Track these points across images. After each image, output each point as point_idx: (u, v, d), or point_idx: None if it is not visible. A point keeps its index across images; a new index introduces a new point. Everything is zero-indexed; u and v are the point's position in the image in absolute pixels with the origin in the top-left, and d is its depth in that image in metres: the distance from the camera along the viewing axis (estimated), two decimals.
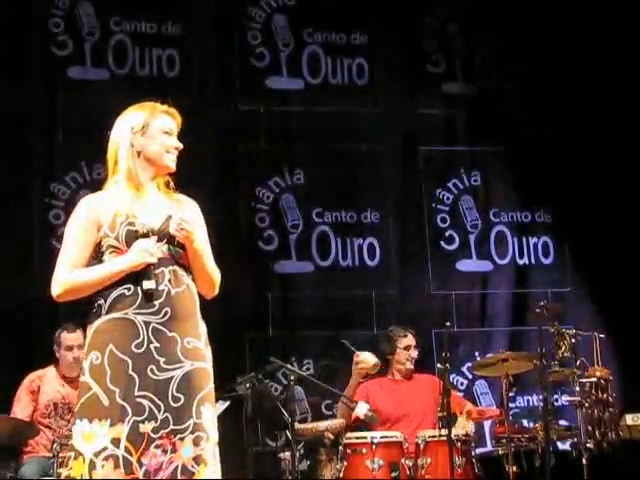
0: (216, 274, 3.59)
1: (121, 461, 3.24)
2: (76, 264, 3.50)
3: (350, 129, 7.93)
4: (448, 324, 5.81)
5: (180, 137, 3.67)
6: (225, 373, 4.20)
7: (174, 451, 3.28)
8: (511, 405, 6.73)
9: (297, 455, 5.81)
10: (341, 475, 5.58)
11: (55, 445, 5.61)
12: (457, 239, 8.12)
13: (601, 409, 5.71)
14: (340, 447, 5.65)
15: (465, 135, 8.20)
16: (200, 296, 3.59)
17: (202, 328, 3.51)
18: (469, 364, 7.46)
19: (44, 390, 6.14)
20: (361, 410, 5.65)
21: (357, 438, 5.65)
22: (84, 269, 3.49)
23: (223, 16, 7.88)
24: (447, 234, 8.12)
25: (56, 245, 7.32)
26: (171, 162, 3.59)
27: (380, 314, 7.66)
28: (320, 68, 8.11)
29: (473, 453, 5.77)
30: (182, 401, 3.32)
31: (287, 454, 5.66)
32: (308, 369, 7.35)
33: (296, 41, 8.09)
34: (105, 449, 3.25)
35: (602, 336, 6.09)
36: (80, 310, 6.70)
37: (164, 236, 3.44)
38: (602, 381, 5.77)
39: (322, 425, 5.84)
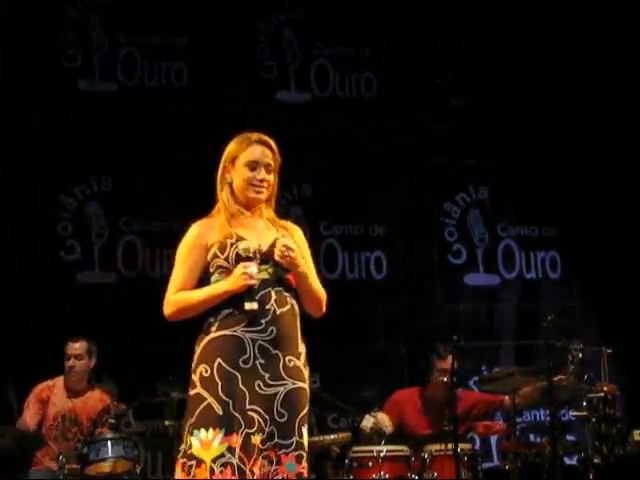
0: (322, 295, 3.78)
1: (236, 469, 3.44)
2: (184, 286, 3.67)
3: (358, 143, 7.94)
4: (455, 338, 5.80)
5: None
6: None
7: (279, 463, 3.49)
8: (518, 420, 6.71)
9: None
10: None
11: (61, 457, 5.62)
12: (464, 253, 8.12)
13: (608, 424, 5.69)
14: (346, 460, 5.64)
15: (473, 149, 8.20)
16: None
17: (302, 348, 3.67)
18: (476, 378, 7.44)
19: (53, 401, 6.16)
20: (367, 424, 5.64)
21: (363, 452, 5.64)
22: (190, 291, 3.67)
23: (232, 29, 7.91)
24: (454, 248, 8.12)
25: (64, 257, 7.36)
26: (254, 194, 3.73)
27: (387, 328, 7.65)
28: (328, 81, 8.13)
29: (480, 468, 5.76)
30: (286, 417, 3.51)
31: None
32: (314, 382, 7.34)
33: (304, 55, 8.11)
34: (222, 456, 3.44)
35: (609, 351, 6.08)
36: (85, 325, 6.78)
37: (270, 259, 3.60)
38: (609, 396, 5.75)
39: (329, 438, 5.83)
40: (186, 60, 7.84)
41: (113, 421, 5.87)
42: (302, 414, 3.55)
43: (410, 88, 8.17)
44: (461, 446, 5.51)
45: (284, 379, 3.54)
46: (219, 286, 3.60)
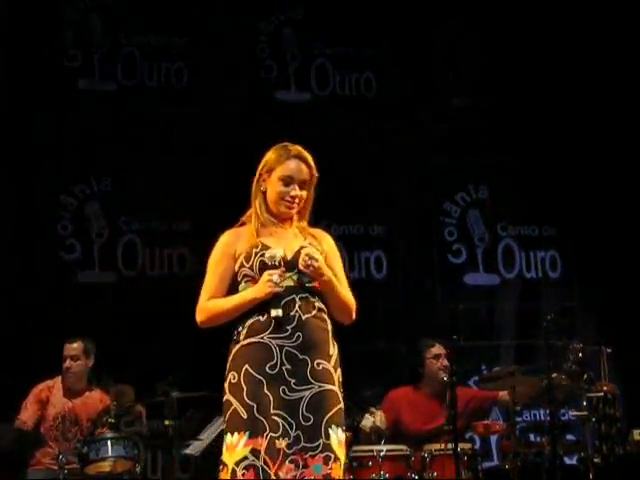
0: (350, 303, 3.83)
1: (260, 472, 3.51)
2: (214, 293, 3.75)
3: (358, 143, 7.93)
4: (455, 337, 5.80)
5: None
6: None
7: (306, 466, 3.54)
8: (518, 420, 6.71)
9: None
10: None
11: (61, 457, 5.62)
12: (464, 253, 8.12)
13: (608, 424, 5.69)
14: (346, 460, 5.62)
15: (473, 149, 8.19)
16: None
17: (333, 351, 3.72)
18: (475, 378, 7.44)
19: (53, 402, 6.15)
20: (367, 423, 5.64)
21: (363, 451, 5.64)
22: (220, 299, 3.75)
23: (232, 29, 7.91)
24: (454, 247, 8.12)
25: (64, 257, 7.36)
26: (285, 209, 3.80)
27: (387, 327, 7.64)
28: (328, 81, 8.13)
29: (480, 467, 5.75)
30: (312, 421, 3.56)
31: None
32: None
33: (304, 55, 8.11)
34: (245, 459, 3.52)
35: (609, 351, 6.08)
36: (85, 325, 6.78)
37: (294, 266, 3.66)
38: (609, 396, 5.75)
39: None
40: (186, 60, 7.84)
41: (113, 421, 5.87)
42: (328, 416, 3.59)
43: (410, 88, 8.17)
44: (461, 445, 5.50)
45: (311, 383, 3.59)
46: (247, 294, 3.68)
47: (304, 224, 3.88)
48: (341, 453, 3.62)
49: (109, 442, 5.63)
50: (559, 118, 8.14)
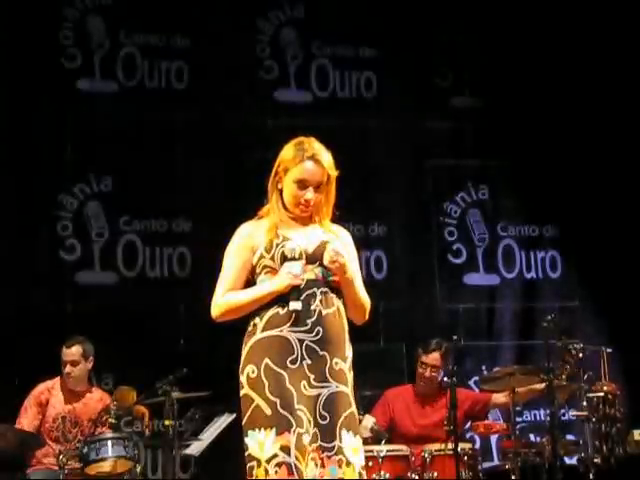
0: (366, 302, 3.77)
1: (294, 469, 3.44)
2: (231, 287, 3.67)
3: (358, 142, 7.92)
4: (455, 338, 5.80)
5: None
6: None
7: (322, 466, 3.49)
8: (518, 419, 6.71)
9: None
10: None
11: (62, 457, 5.62)
12: (464, 253, 8.11)
13: (608, 424, 5.69)
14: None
15: (473, 148, 8.19)
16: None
17: (349, 351, 3.70)
18: (476, 378, 7.44)
19: (53, 403, 6.15)
20: (367, 424, 5.64)
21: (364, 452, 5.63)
22: (237, 292, 3.67)
23: (232, 29, 7.90)
24: (454, 247, 8.11)
25: (64, 257, 7.36)
26: (299, 212, 3.73)
27: (387, 327, 7.64)
28: (328, 81, 8.12)
29: (480, 467, 5.76)
30: (328, 420, 3.52)
31: None
32: None
33: (304, 54, 8.10)
34: (276, 456, 3.45)
35: (610, 350, 6.08)
36: (84, 325, 6.78)
37: (316, 260, 3.62)
38: (609, 396, 5.75)
39: None
40: (186, 60, 7.83)
41: (113, 421, 5.87)
42: (342, 418, 3.54)
43: (410, 88, 8.16)
44: (461, 445, 5.51)
45: (328, 381, 3.55)
46: (264, 287, 3.62)
47: (322, 219, 3.81)
48: (354, 458, 3.54)
49: (109, 442, 5.63)
50: (559, 118, 8.13)
